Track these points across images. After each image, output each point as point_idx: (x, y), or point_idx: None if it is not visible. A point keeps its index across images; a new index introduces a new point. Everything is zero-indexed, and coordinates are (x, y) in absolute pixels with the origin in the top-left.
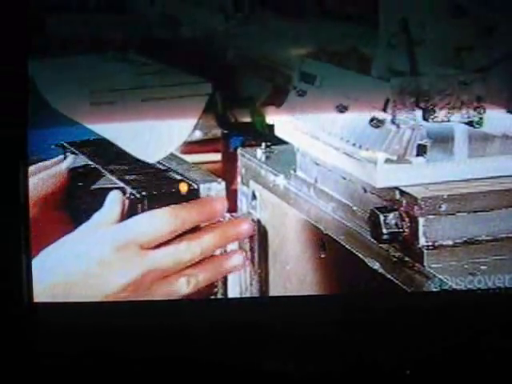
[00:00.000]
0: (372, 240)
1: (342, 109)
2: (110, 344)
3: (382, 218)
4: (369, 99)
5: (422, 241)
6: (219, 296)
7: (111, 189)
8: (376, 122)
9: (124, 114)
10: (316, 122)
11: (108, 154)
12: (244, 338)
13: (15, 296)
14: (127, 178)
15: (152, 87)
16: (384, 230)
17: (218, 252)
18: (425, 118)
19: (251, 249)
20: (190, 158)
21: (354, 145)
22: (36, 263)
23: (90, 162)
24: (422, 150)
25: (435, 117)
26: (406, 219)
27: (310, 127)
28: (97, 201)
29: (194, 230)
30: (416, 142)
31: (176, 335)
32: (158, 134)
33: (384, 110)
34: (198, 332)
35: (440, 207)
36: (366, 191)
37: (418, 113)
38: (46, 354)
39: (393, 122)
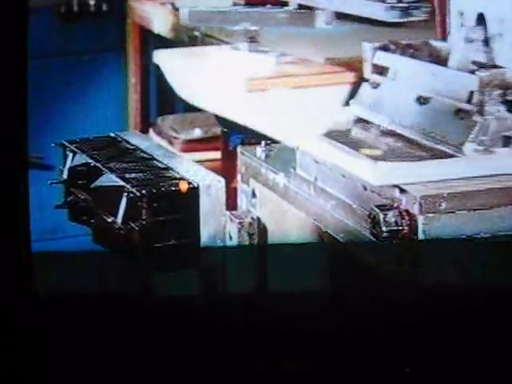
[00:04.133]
0: (371, 238)
1: (422, 101)
2: (109, 338)
3: (381, 215)
4: (451, 92)
5: (422, 238)
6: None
7: (111, 187)
8: (461, 114)
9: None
10: (394, 114)
11: (108, 152)
12: (243, 333)
13: (16, 286)
14: (127, 176)
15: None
16: (383, 228)
17: None
18: (510, 111)
19: (251, 246)
20: (190, 157)
21: (434, 137)
22: None
23: (90, 161)
24: (507, 142)
25: None
26: (406, 217)
27: (387, 119)
28: (97, 199)
29: None
30: (502, 133)
31: (176, 330)
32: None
33: (469, 102)
34: (197, 327)
35: (440, 205)
36: (365, 189)
37: (504, 105)
38: (46, 344)
39: (479, 113)
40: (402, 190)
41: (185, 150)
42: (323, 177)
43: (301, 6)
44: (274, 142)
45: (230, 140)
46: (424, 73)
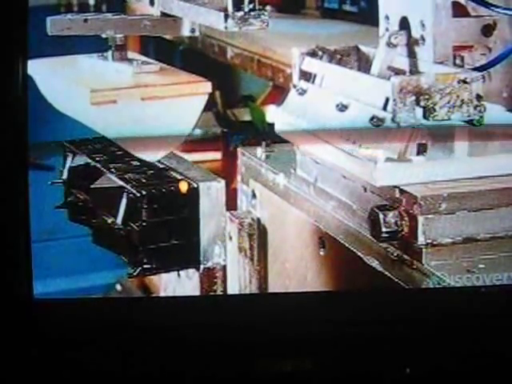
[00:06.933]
0: (371, 238)
1: (342, 108)
2: (109, 339)
3: (381, 216)
4: (369, 98)
5: (421, 239)
6: (219, 292)
7: (111, 187)
8: (376, 121)
9: (125, 112)
10: (316, 120)
11: (108, 152)
12: (243, 334)
13: (15, 293)
14: (127, 176)
15: (152, 86)
16: (383, 229)
17: None
18: (425, 117)
19: (251, 247)
20: (190, 157)
21: (354, 143)
22: None
23: (90, 161)
24: (422, 149)
25: (435, 115)
26: (406, 218)
27: (310, 126)
28: (97, 199)
29: None
30: (416, 141)
31: (175, 330)
32: (159, 133)
33: (384, 108)
34: (197, 328)
35: (440, 206)
36: (365, 190)
37: (419, 111)
38: (45, 349)
39: (393, 120)
40: (402, 191)
41: (185, 151)
42: (323, 177)
43: (164, 14)
44: (275, 142)
45: (230, 140)
46: (345, 79)
